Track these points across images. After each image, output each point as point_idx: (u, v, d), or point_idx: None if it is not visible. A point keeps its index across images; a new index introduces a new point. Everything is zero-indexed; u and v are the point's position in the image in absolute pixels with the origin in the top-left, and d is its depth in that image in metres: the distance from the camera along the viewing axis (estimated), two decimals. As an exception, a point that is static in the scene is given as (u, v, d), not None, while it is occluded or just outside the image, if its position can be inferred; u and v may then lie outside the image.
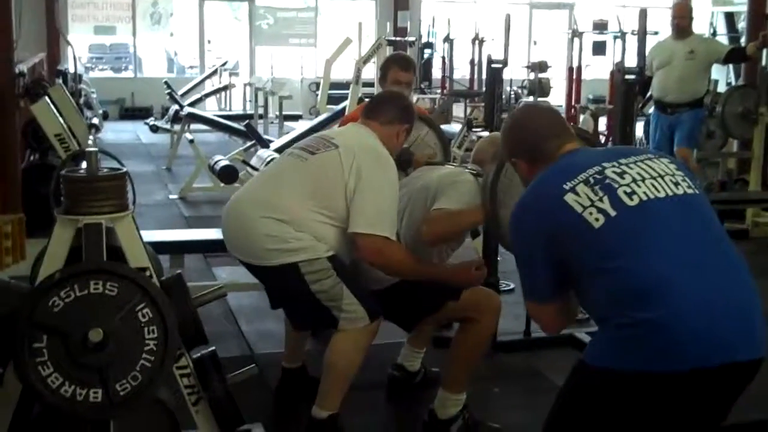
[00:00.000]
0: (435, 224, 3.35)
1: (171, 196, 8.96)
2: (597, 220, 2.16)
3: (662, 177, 2.24)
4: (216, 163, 7.23)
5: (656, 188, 2.21)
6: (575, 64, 11.47)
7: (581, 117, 10.57)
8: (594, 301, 2.22)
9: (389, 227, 3.24)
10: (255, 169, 6.61)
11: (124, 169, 2.82)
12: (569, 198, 2.21)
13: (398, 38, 12.31)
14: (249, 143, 9.82)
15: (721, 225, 2.29)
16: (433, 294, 3.46)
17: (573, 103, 10.91)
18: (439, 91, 13.27)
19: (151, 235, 4.76)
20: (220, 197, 8.37)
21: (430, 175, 3.65)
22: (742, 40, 11.08)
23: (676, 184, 2.24)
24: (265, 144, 8.80)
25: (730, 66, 11.26)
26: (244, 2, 18.45)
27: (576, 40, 12.00)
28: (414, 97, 4.35)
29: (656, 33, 9.53)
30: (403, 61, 4.70)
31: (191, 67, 19.12)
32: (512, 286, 5.42)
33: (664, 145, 7.57)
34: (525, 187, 2.53)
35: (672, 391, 2.08)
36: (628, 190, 2.19)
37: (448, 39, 13.81)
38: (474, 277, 3.43)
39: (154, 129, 12.69)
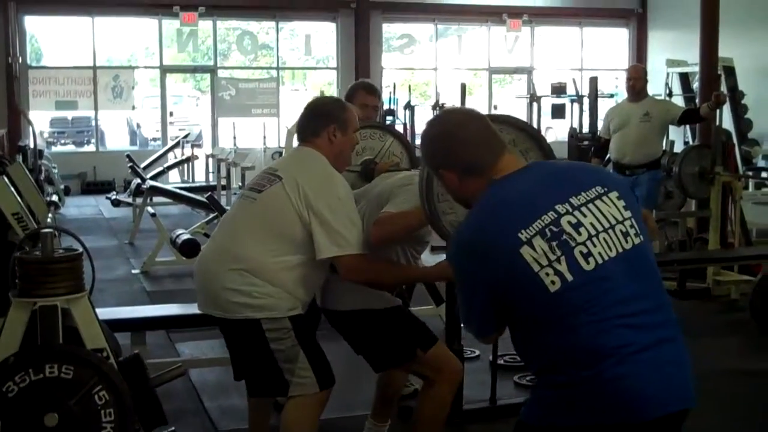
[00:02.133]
0: (380, 226, 3.35)
1: (134, 271, 8.89)
2: (553, 282, 2.13)
3: (613, 227, 2.22)
4: (177, 237, 7.17)
5: (609, 245, 2.19)
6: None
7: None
8: (538, 351, 2.22)
9: (356, 242, 3.24)
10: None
11: (80, 250, 2.81)
12: (525, 252, 2.15)
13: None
14: (211, 215, 9.79)
15: (659, 272, 2.30)
16: (408, 340, 3.51)
17: (534, 166, 11.01)
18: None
19: (112, 313, 4.73)
20: (183, 271, 8.32)
21: (386, 181, 3.67)
22: (698, 100, 11.29)
23: (626, 234, 2.23)
24: (228, 215, 8.77)
25: (687, 126, 11.44)
26: (206, 74, 18.57)
27: (535, 104, 12.18)
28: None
29: (612, 96, 9.70)
30: (368, 86, 4.85)
31: (154, 140, 19.12)
32: (477, 353, 5.41)
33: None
34: (454, 198, 2.47)
35: None
36: (584, 250, 2.17)
37: (409, 106, 13.95)
38: None
39: (116, 203, 12.63)
